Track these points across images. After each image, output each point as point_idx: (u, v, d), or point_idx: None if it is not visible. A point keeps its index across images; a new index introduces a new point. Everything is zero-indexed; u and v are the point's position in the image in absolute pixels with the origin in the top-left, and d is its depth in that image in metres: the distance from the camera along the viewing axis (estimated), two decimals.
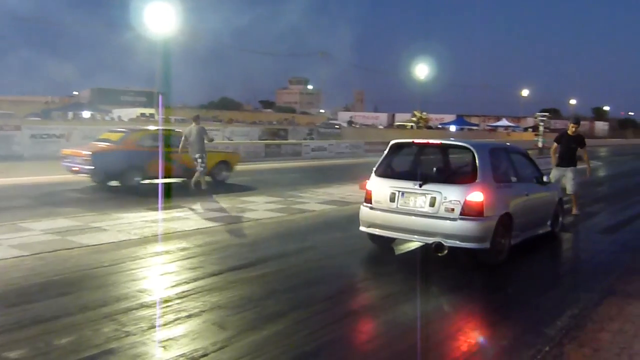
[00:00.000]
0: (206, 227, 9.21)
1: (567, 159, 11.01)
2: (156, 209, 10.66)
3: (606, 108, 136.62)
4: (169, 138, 14.49)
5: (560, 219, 9.32)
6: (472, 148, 7.20)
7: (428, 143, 8.26)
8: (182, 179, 14.48)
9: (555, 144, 11.47)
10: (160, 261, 7.05)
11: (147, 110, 39.95)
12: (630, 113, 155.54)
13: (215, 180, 15.28)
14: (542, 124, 31.29)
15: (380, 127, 69.73)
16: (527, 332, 4.98)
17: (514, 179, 7.72)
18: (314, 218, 10.62)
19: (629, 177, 21.96)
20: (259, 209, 11.24)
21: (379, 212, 7.35)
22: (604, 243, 9.25)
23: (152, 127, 18.59)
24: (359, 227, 7.71)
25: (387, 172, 7.65)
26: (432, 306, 5.69)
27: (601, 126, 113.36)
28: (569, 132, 11.19)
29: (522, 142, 54.97)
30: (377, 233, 7.50)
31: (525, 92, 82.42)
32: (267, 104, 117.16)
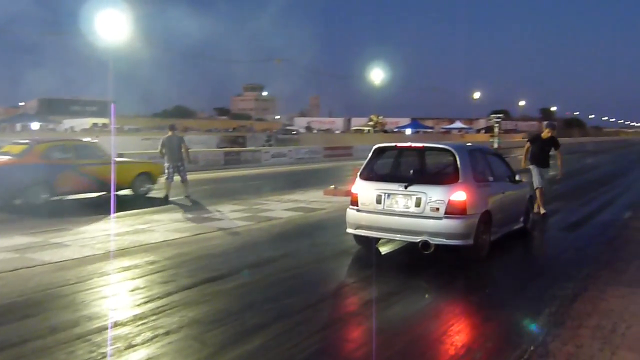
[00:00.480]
0: (173, 239, 8.93)
1: (540, 160, 11.36)
2: (109, 221, 10.32)
3: (553, 108, 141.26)
4: (79, 149, 13.46)
5: (531, 215, 9.69)
6: (452, 150, 7.45)
7: (410, 146, 8.50)
8: (100, 193, 13.40)
9: (527, 145, 11.86)
10: (129, 276, 6.76)
11: (100, 120, 38.82)
12: (575, 113, 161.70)
13: (136, 193, 14.25)
14: (497, 125, 32.02)
15: (337, 131, 70.04)
16: (510, 333, 5.00)
17: (491, 178, 8.02)
18: (282, 226, 10.47)
19: (581, 175, 22.63)
20: (225, 218, 11.03)
21: (365, 214, 7.54)
22: (569, 239, 9.48)
23: (62, 138, 17.75)
24: (328, 233, 7.70)
25: (372, 175, 7.83)
26: (415, 310, 5.67)
27: None
28: (543, 135, 11.56)
29: (486, 144, 56.41)
30: (364, 234, 7.67)
31: (476, 95, 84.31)
32: (222, 111, 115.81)
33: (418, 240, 7.05)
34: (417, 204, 7.09)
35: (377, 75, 52.92)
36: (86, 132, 31.34)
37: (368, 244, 7.98)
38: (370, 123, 59.90)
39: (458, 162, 7.26)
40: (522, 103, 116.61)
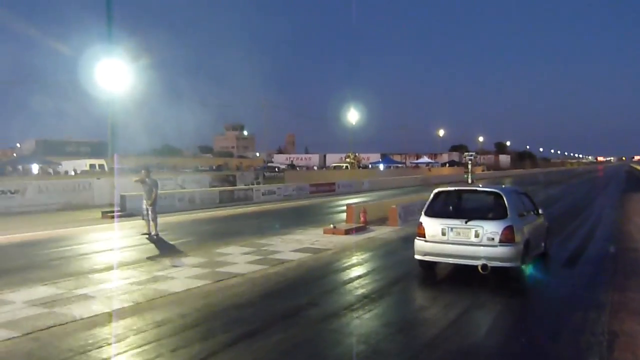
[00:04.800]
0: (196, 287, 8.41)
1: None
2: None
3: (508, 143, 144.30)
4: None
5: (547, 241, 10.88)
6: (501, 192, 8.91)
7: (466, 191, 10.06)
8: None
9: None
10: (166, 332, 6.21)
11: (97, 162, 37.79)
12: (527, 147, 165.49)
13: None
14: (470, 162, 32.29)
15: (315, 168, 69.84)
16: None
17: (525, 213, 9.42)
18: (296, 269, 10.02)
19: (547, 208, 22.62)
20: (239, 262, 10.53)
21: (432, 244, 8.81)
22: (571, 279, 9.26)
23: None
24: (342, 276, 7.24)
25: (435, 213, 9.14)
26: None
27: (504, 158, 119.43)
28: None
29: (449, 177, 56.71)
30: (432, 260, 8.95)
31: (441, 132, 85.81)
32: (206, 149, 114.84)
33: (478, 263, 8.29)
34: (476, 235, 8.37)
35: (349, 114, 53.22)
36: (87, 173, 30.37)
37: (429, 267, 9.23)
38: (348, 160, 59.99)
39: (505, 202, 8.62)
40: (481, 139, 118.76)
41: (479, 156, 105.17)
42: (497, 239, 8.24)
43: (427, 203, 9.41)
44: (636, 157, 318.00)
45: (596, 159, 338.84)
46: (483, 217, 8.69)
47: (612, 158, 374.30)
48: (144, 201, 14.12)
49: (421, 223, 9.10)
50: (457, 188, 9.91)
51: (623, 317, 6.68)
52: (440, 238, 8.68)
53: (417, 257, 9.10)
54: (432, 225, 8.89)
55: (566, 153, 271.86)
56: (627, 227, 15.83)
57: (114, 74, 29.20)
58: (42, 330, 6.24)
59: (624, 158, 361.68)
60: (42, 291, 8.11)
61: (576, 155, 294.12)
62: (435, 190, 9.68)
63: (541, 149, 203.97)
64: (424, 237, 8.92)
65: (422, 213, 9.26)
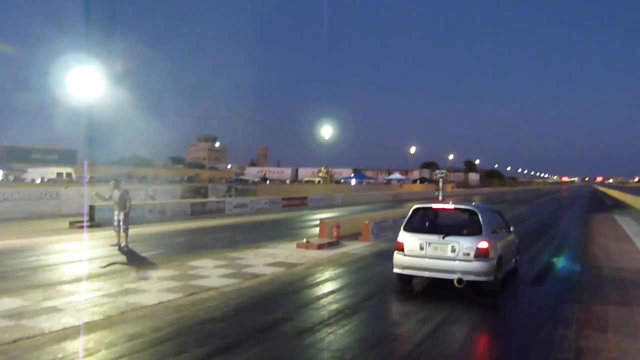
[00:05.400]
0: (168, 300, 8.30)
1: None
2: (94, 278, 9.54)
3: (477, 161, 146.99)
4: None
5: (517, 257, 11.26)
6: (476, 210, 9.35)
7: (443, 209, 10.14)
8: None
9: None
10: (138, 347, 6.10)
11: (64, 170, 36.83)
12: (495, 165, 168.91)
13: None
14: (441, 179, 32.90)
15: (287, 181, 69.75)
16: None
17: (498, 230, 9.78)
18: (270, 283, 9.98)
19: (515, 226, 23.19)
20: (212, 275, 10.43)
21: (410, 258, 9.09)
22: (539, 296, 9.47)
23: None
24: (315, 291, 7.26)
25: (414, 228, 9.43)
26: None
27: (473, 177, 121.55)
28: None
29: (420, 194, 57.36)
30: (410, 273, 9.23)
31: (412, 149, 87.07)
32: (177, 160, 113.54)
33: (454, 277, 8.62)
34: (453, 250, 8.71)
35: (322, 129, 53.59)
36: (54, 182, 29.62)
37: (406, 281, 9.48)
38: (320, 174, 60.14)
39: (480, 219, 9.03)
40: (451, 157, 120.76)
41: (449, 174, 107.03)
42: (472, 254, 8.59)
43: (406, 218, 9.70)
44: (598, 179, 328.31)
45: (561, 179, 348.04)
46: (459, 233, 9.02)
47: (575, 178, 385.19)
48: (115, 212, 13.92)
49: (400, 238, 9.37)
50: (435, 206, 10.24)
51: (589, 333, 6.88)
52: (419, 252, 8.99)
53: (395, 270, 9.33)
54: (410, 240, 9.17)
55: (532, 172, 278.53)
56: (591, 246, 16.31)
57: (85, 82, 28.94)
58: (9, 343, 6.07)
59: (587, 179, 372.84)
60: (7, 303, 7.89)
61: (542, 174, 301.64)
62: (414, 207, 9.99)
63: (508, 168, 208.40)
64: (403, 251, 9.19)
65: (402, 228, 9.54)
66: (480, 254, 8.59)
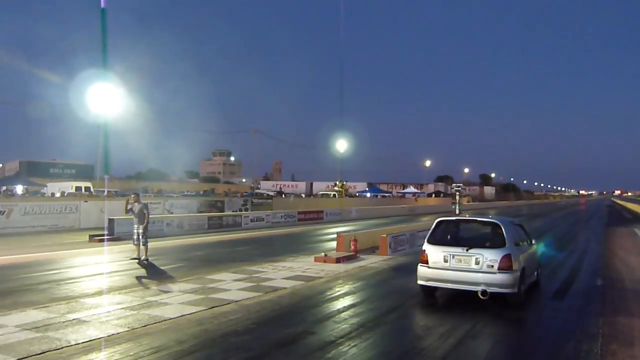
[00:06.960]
0: (190, 313, 8.37)
1: None
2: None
3: (492, 175, 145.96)
4: None
5: (539, 270, 11.31)
6: (499, 222, 9.38)
7: (467, 220, 10.45)
8: None
9: None
10: (164, 359, 6.17)
11: (83, 184, 37.38)
12: (511, 179, 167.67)
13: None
14: (457, 193, 32.77)
15: (302, 195, 69.82)
16: None
17: (521, 242, 9.82)
18: (290, 297, 10.00)
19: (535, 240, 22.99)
20: (231, 288, 10.48)
21: (434, 270, 9.17)
22: (562, 310, 9.34)
23: None
24: (337, 304, 7.24)
25: (438, 240, 9.51)
26: None
27: (489, 190, 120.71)
28: None
29: (436, 207, 56.98)
30: (434, 285, 9.31)
31: (427, 163, 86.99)
32: (192, 174, 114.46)
33: (477, 289, 8.69)
34: (477, 262, 8.80)
35: (337, 143, 53.63)
36: (74, 197, 30.03)
37: (430, 292, 9.60)
38: (336, 188, 60.20)
39: (504, 232, 9.07)
40: (466, 170, 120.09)
41: (464, 187, 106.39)
42: (496, 266, 8.67)
43: (430, 231, 9.81)
44: (616, 192, 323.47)
45: (578, 192, 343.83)
46: (482, 245, 9.12)
47: (593, 192, 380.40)
48: (135, 225, 14.08)
49: (424, 250, 9.48)
50: (458, 218, 10.43)
51: (615, 348, 6.79)
52: (442, 265, 9.09)
53: (420, 282, 9.45)
54: (434, 253, 9.28)
55: (549, 186, 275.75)
56: (612, 260, 16.08)
57: (103, 98, 29.33)
58: (36, 355, 6.17)
59: (605, 192, 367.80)
60: (33, 315, 8.01)
61: (559, 188, 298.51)
62: (438, 220, 10.11)
63: (525, 181, 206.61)
64: (427, 263, 9.31)
65: (425, 241, 9.65)
66: (504, 266, 8.67)
